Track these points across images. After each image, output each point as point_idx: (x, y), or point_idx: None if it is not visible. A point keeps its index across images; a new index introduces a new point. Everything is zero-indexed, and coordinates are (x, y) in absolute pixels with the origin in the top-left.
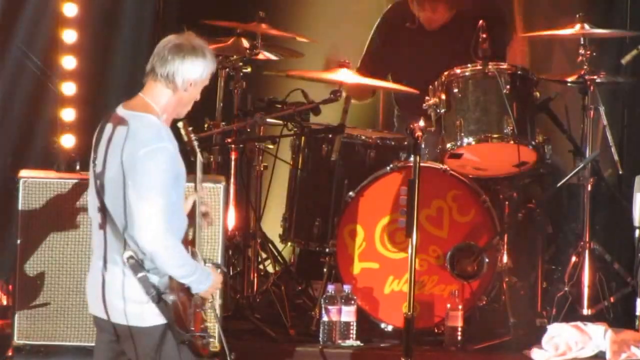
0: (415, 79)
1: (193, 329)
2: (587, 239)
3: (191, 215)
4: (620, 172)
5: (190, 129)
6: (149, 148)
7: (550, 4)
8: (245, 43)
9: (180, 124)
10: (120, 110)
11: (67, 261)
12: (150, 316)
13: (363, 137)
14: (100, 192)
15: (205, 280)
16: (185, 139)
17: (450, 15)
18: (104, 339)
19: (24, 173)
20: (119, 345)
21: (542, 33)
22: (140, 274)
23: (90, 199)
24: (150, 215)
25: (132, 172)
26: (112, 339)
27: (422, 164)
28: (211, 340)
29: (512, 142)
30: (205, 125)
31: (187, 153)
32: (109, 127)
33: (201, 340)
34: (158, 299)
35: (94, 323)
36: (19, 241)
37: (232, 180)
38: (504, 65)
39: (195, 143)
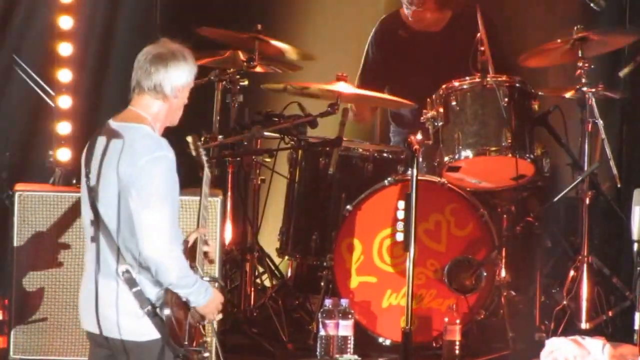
0: (411, 90)
1: (187, 343)
2: (586, 253)
3: (191, 250)
4: (619, 186)
5: (199, 143)
6: (151, 157)
7: (546, 16)
8: (242, 56)
9: (189, 138)
10: (112, 124)
11: (63, 275)
12: (146, 330)
13: (360, 150)
14: (94, 205)
15: (203, 294)
16: (194, 153)
17: (440, 17)
18: (99, 353)
19: (19, 187)
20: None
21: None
22: (135, 289)
23: (83, 212)
24: (157, 223)
25: (135, 182)
26: (108, 354)
27: (419, 178)
28: (206, 355)
29: (510, 155)
30: (202, 139)
31: (195, 167)
32: (101, 140)
33: (197, 355)
34: (154, 313)
35: (87, 338)
36: (14, 255)
37: (229, 193)
38: (503, 78)
39: (205, 158)
